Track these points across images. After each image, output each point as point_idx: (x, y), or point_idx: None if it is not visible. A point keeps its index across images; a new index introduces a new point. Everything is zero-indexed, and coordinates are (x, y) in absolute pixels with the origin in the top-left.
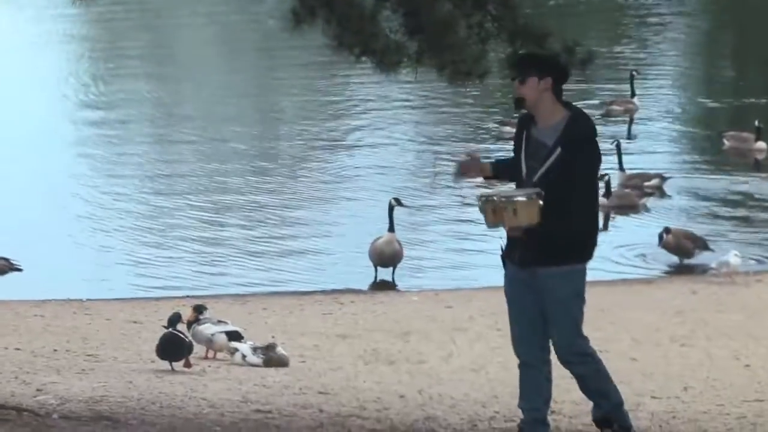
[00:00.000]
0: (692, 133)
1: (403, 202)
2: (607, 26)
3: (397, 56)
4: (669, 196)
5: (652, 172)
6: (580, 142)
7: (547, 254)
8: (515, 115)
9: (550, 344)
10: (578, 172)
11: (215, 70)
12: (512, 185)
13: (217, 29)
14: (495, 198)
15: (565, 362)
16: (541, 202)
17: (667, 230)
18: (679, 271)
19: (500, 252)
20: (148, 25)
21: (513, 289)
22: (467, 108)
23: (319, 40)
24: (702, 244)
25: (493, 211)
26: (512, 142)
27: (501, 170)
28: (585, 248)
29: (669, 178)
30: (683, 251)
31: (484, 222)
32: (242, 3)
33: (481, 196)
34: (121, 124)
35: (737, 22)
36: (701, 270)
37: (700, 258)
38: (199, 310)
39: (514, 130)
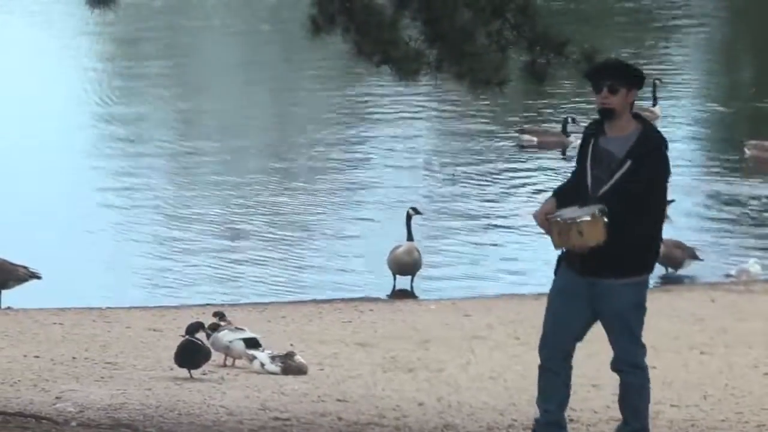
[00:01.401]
0: (713, 141)
1: (420, 210)
2: (626, 32)
3: (417, 64)
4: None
5: None
6: (650, 153)
7: (612, 266)
8: (581, 123)
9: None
10: (646, 181)
11: (234, 81)
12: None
13: (238, 40)
14: (559, 219)
15: (617, 370)
16: (605, 219)
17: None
18: (697, 279)
19: (559, 254)
20: (165, 37)
21: (562, 295)
22: (487, 116)
23: (339, 49)
24: (691, 254)
25: (559, 233)
26: (576, 154)
27: (564, 198)
28: (648, 259)
29: (672, 201)
30: (673, 261)
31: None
32: (262, 13)
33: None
34: (140, 135)
35: (757, 29)
36: (721, 276)
37: (690, 269)
38: (219, 316)
39: (534, 139)
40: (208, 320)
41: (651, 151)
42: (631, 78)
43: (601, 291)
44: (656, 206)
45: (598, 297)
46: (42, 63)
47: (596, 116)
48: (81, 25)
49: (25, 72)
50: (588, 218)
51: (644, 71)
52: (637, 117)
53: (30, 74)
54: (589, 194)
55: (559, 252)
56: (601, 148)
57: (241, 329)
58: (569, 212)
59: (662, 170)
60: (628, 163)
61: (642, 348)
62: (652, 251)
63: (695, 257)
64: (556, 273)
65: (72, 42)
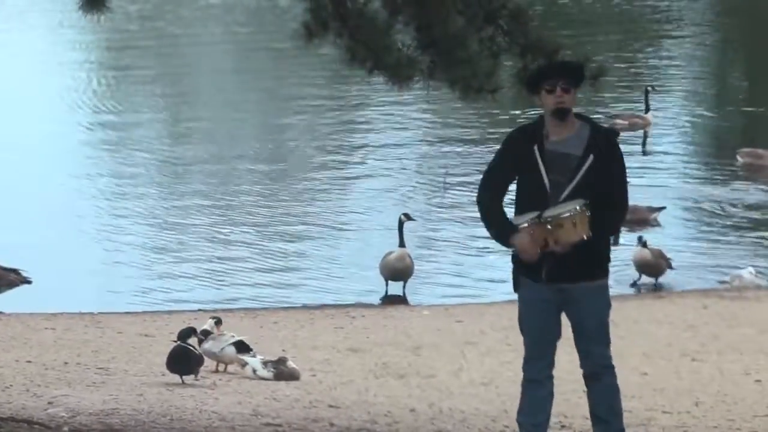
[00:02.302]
0: (706, 148)
1: (412, 216)
2: (620, 37)
3: (409, 71)
4: (662, 226)
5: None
6: (610, 147)
7: (586, 269)
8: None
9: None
10: (614, 175)
11: (226, 89)
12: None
13: (224, 47)
14: (549, 217)
15: (594, 374)
16: (588, 214)
17: (642, 242)
18: (690, 285)
19: (513, 270)
20: (159, 44)
21: (533, 309)
22: (479, 122)
23: (332, 56)
24: (669, 263)
25: (543, 235)
26: (502, 162)
27: (521, 210)
28: (609, 257)
29: (663, 208)
30: (657, 270)
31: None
32: (256, 20)
33: (525, 222)
34: (131, 141)
35: (749, 35)
36: (713, 283)
37: (666, 276)
38: (216, 321)
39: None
40: (201, 326)
41: (610, 145)
42: (579, 76)
43: (576, 296)
44: (622, 202)
45: (571, 302)
46: (27, 68)
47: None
48: (61, 32)
49: (10, 76)
50: (568, 214)
51: (636, 78)
52: (577, 115)
53: (15, 79)
54: (549, 200)
55: (511, 266)
56: (552, 152)
57: (227, 336)
58: (549, 212)
59: (623, 164)
60: (590, 158)
61: (610, 346)
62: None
63: (670, 266)
64: (516, 288)
65: (55, 48)
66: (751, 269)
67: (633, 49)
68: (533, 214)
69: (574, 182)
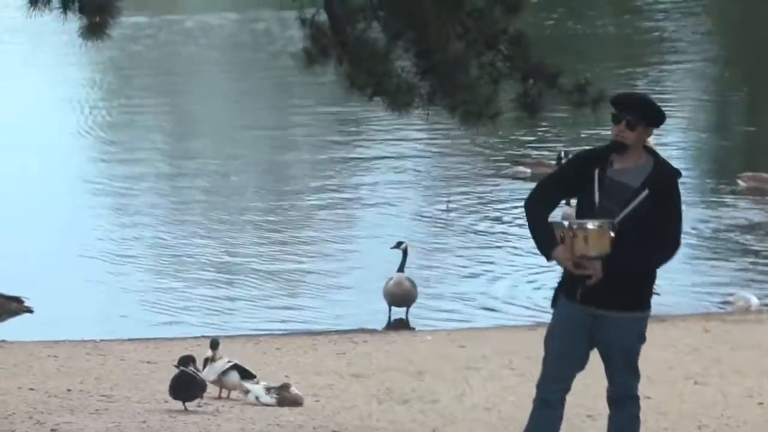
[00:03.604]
0: (707, 171)
1: (403, 245)
2: (620, 55)
3: (409, 97)
4: None
5: None
6: (668, 185)
7: (620, 298)
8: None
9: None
10: (665, 212)
11: (228, 106)
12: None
13: (222, 65)
14: (566, 224)
15: (617, 401)
16: (612, 234)
17: None
18: (691, 309)
19: (556, 286)
20: (162, 65)
21: (563, 330)
22: (480, 147)
23: (333, 77)
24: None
25: (563, 240)
26: (560, 176)
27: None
28: (651, 292)
29: None
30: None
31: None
32: (258, 42)
33: (551, 222)
34: (133, 161)
35: (751, 56)
36: (715, 306)
37: (668, 300)
38: (213, 345)
39: (528, 170)
40: (202, 352)
41: (668, 181)
42: (651, 117)
43: (607, 324)
44: (670, 239)
45: (601, 329)
46: (27, 86)
47: (590, 146)
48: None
49: (9, 95)
50: (596, 226)
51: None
52: (646, 149)
53: (15, 97)
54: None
55: (556, 284)
56: (611, 180)
57: (223, 360)
58: (578, 220)
59: (679, 202)
60: (645, 192)
61: (639, 378)
62: (653, 284)
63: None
64: (554, 305)
65: (55, 68)
66: (754, 295)
67: (633, 69)
68: (566, 222)
69: (625, 212)
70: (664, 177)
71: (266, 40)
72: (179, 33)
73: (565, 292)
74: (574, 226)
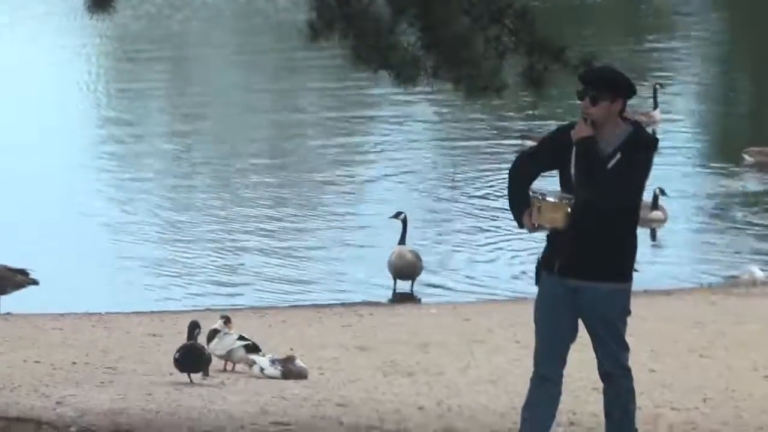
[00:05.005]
0: (715, 146)
1: (402, 216)
2: (626, 32)
3: (414, 70)
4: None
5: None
6: (639, 148)
7: (597, 268)
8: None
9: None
10: (633, 180)
11: (234, 89)
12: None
13: (228, 48)
14: (530, 192)
15: (609, 375)
16: (569, 209)
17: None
18: (697, 282)
19: (536, 261)
20: (169, 49)
21: (547, 305)
22: (487, 119)
23: (334, 54)
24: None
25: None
26: (540, 149)
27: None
28: (632, 264)
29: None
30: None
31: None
32: (264, 24)
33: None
34: (140, 139)
35: (758, 32)
36: (721, 279)
37: (673, 273)
38: (225, 320)
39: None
40: (208, 325)
41: (640, 147)
42: (617, 89)
43: (587, 296)
44: (637, 206)
45: (582, 302)
46: (38, 68)
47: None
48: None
49: (21, 77)
50: (552, 199)
51: (645, 75)
52: (626, 120)
53: (27, 78)
54: (573, 193)
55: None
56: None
57: (233, 335)
58: (544, 189)
59: (647, 171)
60: (617, 156)
61: (628, 350)
62: (634, 254)
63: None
64: (537, 282)
65: (60, 55)
66: (761, 268)
67: (641, 44)
68: (534, 191)
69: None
70: (639, 142)
71: (252, 10)
72: (164, 5)
73: (544, 265)
74: (538, 196)
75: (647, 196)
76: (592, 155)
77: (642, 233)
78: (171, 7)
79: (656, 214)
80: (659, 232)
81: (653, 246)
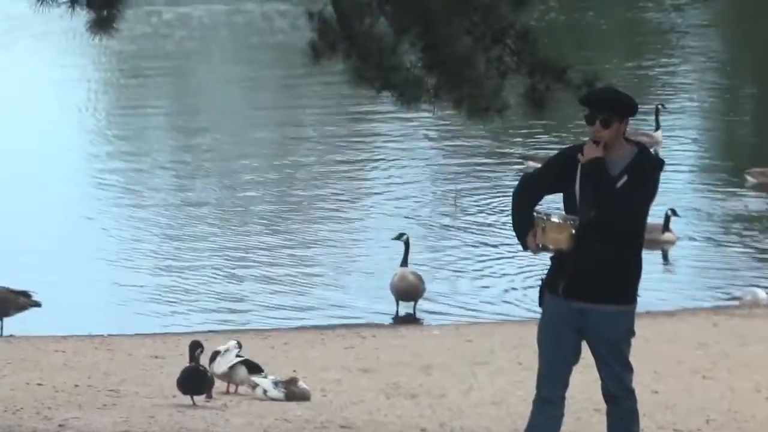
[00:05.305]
0: (716, 167)
1: (404, 237)
2: (628, 49)
3: (417, 91)
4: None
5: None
6: (646, 170)
7: (602, 291)
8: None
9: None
10: (643, 198)
11: (236, 105)
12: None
13: (233, 63)
14: (535, 213)
15: (613, 397)
16: (573, 231)
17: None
18: (700, 303)
19: (540, 283)
20: (169, 64)
21: (551, 327)
22: (489, 141)
23: (337, 71)
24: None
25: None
26: (544, 171)
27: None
28: (636, 285)
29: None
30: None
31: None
32: (261, 43)
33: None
34: (143, 159)
35: (759, 51)
36: (723, 301)
37: (676, 295)
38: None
39: (538, 165)
40: (210, 347)
41: (648, 169)
42: (624, 110)
43: (593, 318)
44: (644, 226)
45: (588, 324)
46: (39, 85)
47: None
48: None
49: (20, 97)
50: (557, 220)
51: (647, 95)
52: (629, 141)
53: (26, 99)
54: (578, 215)
55: (539, 282)
56: None
57: (232, 353)
58: (548, 210)
59: (654, 192)
60: (624, 179)
61: (632, 372)
62: (639, 276)
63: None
64: (540, 303)
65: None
66: (765, 291)
67: (642, 64)
68: (536, 212)
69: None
70: (645, 164)
71: (251, 30)
72: (160, 25)
73: (548, 287)
74: (543, 216)
75: (659, 218)
76: (603, 176)
77: (654, 255)
78: (169, 27)
79: (668, 235)
80: (667, 254)
81: (665, 268)
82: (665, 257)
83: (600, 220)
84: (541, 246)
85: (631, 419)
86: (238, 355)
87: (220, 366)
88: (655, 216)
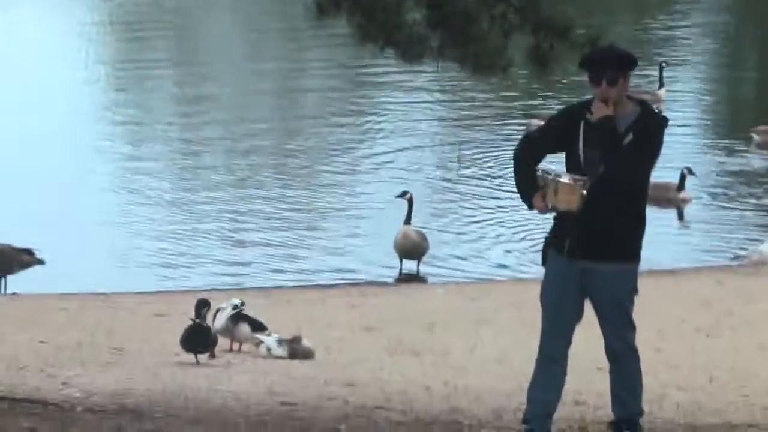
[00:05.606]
0: (720, 125)
1: (407, 195)
2: (631, 14)
3: (420, 48)
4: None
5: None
6: (650, 129)
7: (606, 249)
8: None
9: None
10: (648, 157)
11: (240, 69)
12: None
13: (244, 25)
14: (540, 173)
15: (616, 355)
16: (584, 192)
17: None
18: (704, 261)
19: (544, 243)
20: (173, 26)
21: (555, 286)
22: (494, 99)
23: (345, 35)
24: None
25: (542, 188)
26: (547, 129)
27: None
28: (640, 243)
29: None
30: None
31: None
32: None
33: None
34: (146, 119)
35: (764, 10)
36: (728, 259)
37: (681, 253)
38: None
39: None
40: (213, 305)
41: (655, 128)
42: (626, 64)
43: (596, 277)
44: (647, 185)
45: (592, 283)
46: (40, 50)
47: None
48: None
49: (27, 67)
50: (568, 181)
51: (651, 53)
52: (631, 98)
53: (33, 68)
54: (583, 173)
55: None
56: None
57: (228, 308)
58: (555, 169)
59: (658, 148)
60: (629, 136)
61: (635, 330)
62: (643, 235)
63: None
64: (544, 263)
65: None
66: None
67: (646, 22)
68: (543, 171)
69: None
70: (649, 122)
71: None
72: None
73: (552, 246)
74: (550, 177)
75: (674, 176)
76: (613, 134)
77: (668, 213)
78: None
79: (685, 193)
80: (682, 212)
81: (681, 225)
82: (680, 216)
83: (607, 179)
84: (551, 207)
85: (634, 377)
86: (235, 307)
87: (219, 321)
88: (666, 176)
